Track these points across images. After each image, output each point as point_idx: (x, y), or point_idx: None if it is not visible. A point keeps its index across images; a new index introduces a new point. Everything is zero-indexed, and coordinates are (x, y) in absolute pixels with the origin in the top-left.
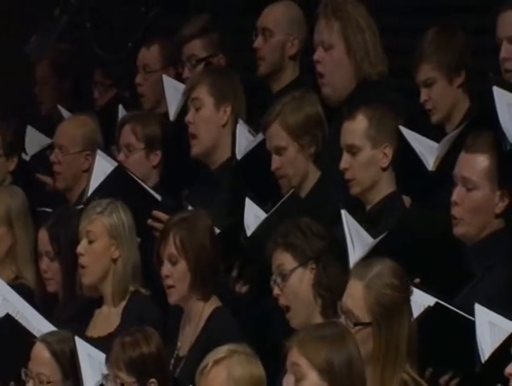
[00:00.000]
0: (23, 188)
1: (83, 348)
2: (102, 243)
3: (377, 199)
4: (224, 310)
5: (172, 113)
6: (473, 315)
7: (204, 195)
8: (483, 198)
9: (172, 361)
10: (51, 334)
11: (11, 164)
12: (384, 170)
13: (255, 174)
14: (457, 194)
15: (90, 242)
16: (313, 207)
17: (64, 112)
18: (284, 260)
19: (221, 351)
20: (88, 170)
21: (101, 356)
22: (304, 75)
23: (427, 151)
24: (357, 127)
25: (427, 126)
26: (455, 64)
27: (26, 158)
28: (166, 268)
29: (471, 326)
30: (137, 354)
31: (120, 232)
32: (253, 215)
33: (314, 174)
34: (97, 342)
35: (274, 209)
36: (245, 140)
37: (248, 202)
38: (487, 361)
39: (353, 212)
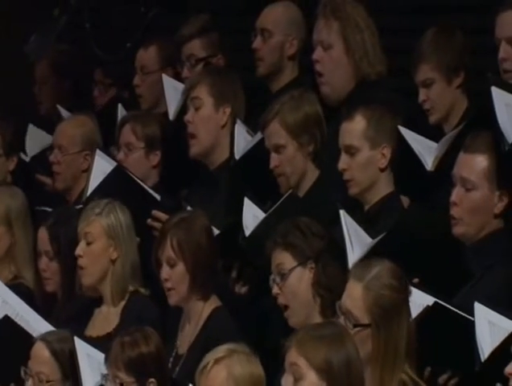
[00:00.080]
0: (23, 188)
1: (82, 348)
2: (100, 244)
3: (375, 199)
4: (223, 309)
5: (172, 113)
6: (472, 315)
7: (203, 195)
8: (482, 198)
9: (171, 359)
10: (51, 333)
11: (11, 163)
12: (382, 170)
13: (254, 174)
14: (456, 194)
15: (88, 244)
16: (312, 206)
17: (64, 112)
18: (283, 259)
19: (221, 350)
20: (88, 170)
21: (101, 356)
22: (303, 76)
23: (426, 151)
24: (355, 128)
25: (426, 126)
26: (454, 65)
27: (26, 158)
28: (165, 271)
29: (470, 325)
30: (136, 354)
31: (118, 232)
32: (251, 215)
33: (313, 173)
34: (95, 342)
35: (272, 209)
36: (243, 140)
37: (246, 202)
38: (487, 360)
39: (351, 212)
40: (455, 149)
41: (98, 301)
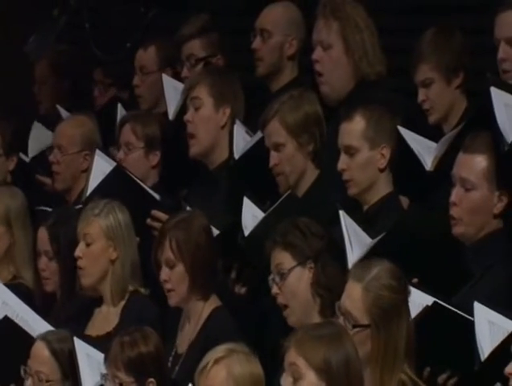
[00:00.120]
0: (23, 188)
1: (81, 348)
2: (99, 245)
3: (374, 199)
4: (223, 309)
5: (171, 113)
6: (472, 315)
7: (202, 195)
8: (481, 198)
9: (170, 359)
10: (51, 332)
11: (11, 163)
12: (382, 170)
13: (253, 173)
14: (456, 194)
15: (88, 245)
16: (311, 206)
17: (63, 112)
18: (283, 259)
19: (220, 350)
20: (87, 170)
21: (100, 356)
22: (303, 76)
23: (425, 151)
24: (354, 128)
25: (425, 126)
26: (453, 65)
27: (28, 157)
28: (164, 272)
29: (469, 325)
30: (135, 353)
31: (117, 232)
32: (251, 215)
33: (312, 173)
34: (95, 342)
35: (271, 209)
36: (242, 140)
37: (246, 201)
38: (486, 359)
39: (350, 213)
40: (454, 149)
41: (98, 301)
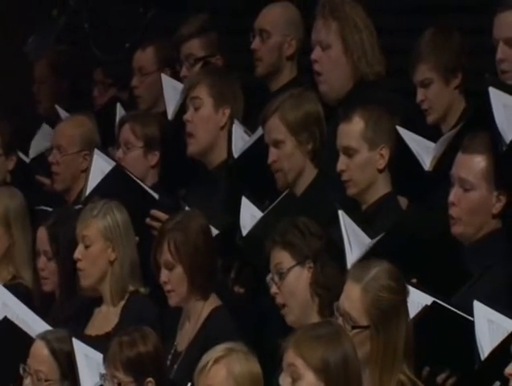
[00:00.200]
0: (22, 187)
1: (80, 349)
2: (98, 246)
3: (373, 199)
4: (223, 309)
5: (170, 112)
6: (471, 314)
7: (201, 194)
8: (480, 198)
9: (170, 357)
10: (50, 332)
11: (10, 163)
12: (380, 171)
13: (252, 172)
14: (454, 194)
15: (86, 247)
16: (309, 205)
17: (62, 112)
18: (282, 258)
19: (219, 349)
20: (87, 170)
21: (99, 356)
22: (302, 76)
23: (424, 151)
24: (353, 129)
25: (424, 126)
26: (452, 65)
27: (28, 157)
28: (163, 274)
29: (468, 325)
30: (134, 353)
31: (115, 233)
32: (249, 215)
33: (311, 172)
34: (94, 341)
35: (269, 208)
36: (240, 140)
37: (244, 201)
38: (486, 359)
39: (349, 212)
40: (453, 149)
41: (98, 301)
